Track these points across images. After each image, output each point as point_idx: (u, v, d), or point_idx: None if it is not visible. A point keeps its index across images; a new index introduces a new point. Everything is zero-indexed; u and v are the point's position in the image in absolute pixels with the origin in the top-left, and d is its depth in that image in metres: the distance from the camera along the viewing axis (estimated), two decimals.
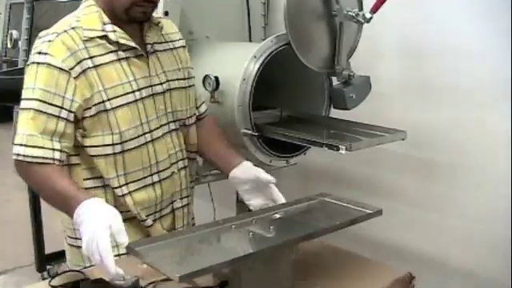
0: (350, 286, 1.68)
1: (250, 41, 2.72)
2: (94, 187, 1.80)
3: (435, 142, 2.48)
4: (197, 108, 2.04)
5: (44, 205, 3.46)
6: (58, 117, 1.67)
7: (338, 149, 1.92)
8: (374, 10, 2.08)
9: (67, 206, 1.60)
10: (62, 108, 1.67)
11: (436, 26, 2.39)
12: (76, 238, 1.87)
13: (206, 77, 2.12)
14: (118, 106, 1.74)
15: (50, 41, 1.69)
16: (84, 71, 1.69)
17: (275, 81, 2.35)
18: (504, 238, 2.29)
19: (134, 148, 1.79)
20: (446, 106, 2.42)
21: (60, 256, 3.53)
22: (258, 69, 2.09)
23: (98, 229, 1.46)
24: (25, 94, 1.69)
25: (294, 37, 2.06)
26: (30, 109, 1.67)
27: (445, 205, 2.49)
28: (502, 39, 2.20)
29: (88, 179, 1.80)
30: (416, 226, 2.60)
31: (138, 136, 1.79)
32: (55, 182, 1.65)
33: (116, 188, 1.79)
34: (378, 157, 2.51)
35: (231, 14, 2.64)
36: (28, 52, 3.34)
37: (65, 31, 1.72)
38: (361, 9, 2.18)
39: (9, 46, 4.59)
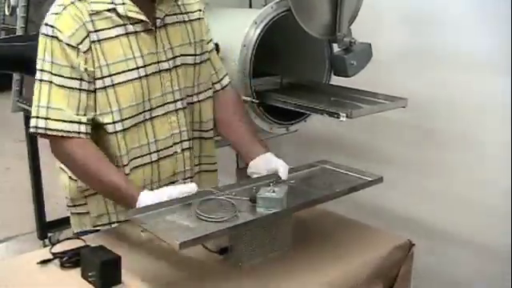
0: (350, 252, 1.70)
1: (251, 7, 2.69)
2: None
3: (434, 109, 2.48)
4: (219, 82, 1.98)
5: (45, 173, 3.47)
6: (80, 89, 1.66)
7: (338, 116, 1.91)
8: None
9: (118, 197, 1.67)
10: (81, 80, 1.66)
11: None
12: (75, 206, 1.88)
13: None
14: (118, 83, 1.70)
15: (56, 13, 1.66)
16: (90, 45, 1.66)
17: (276, 47, 2.33)
18: (501, 203, 2.30)
19: (132, 126, 1.75)
20: (445, 73, 2.41)
21: (61, 223, 3.55)
22: (259, 35, 2.07)
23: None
24: (41, 65, 1.67)
25: (294, 3, 2.04)
26: (49, 82, 1.65)
27: (443, 171, 2.50)
28: (501, 8, 2.19)
29: None
30: (415, 192, 2.61)
31: (138, 114, 1.75)
32: (92, 164, 1.66)
33: (120, 167, 1.75)
34: (378, 124, 2.50)
35: None
36: (26, 19, 3.32)
37: (72, 3, 1.66)
38: None
39: (7, 13, 4.56)
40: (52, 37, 1.65)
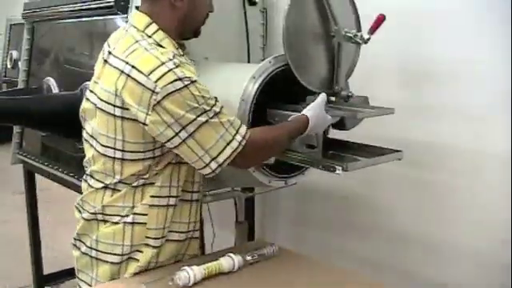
0: None
1: (249, 62, 2.73)
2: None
3: (432, 162, 2.49)
4: None
5: (43, 225, 3.46)
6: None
7: (334, 169, 1.92)
8: (372, 30, 2.10)
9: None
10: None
11: (434, 46, 2.41)
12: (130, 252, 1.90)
13: None
14: None
15: (176, 66, 1.69)
16: None
17: (274, 101, 2.36)
18: (500, 257, 2.29)
19: None
20: (443, 126, 2.43)
21: (58, 277, 3.54)
22: (257, 89, 2.09)
23: None
24: (197, 112, 1.70)
25: (292, 57, 2.07)
26: (218, 113, 1.75)
27: (441, 223, 2.49)
28: (502, 61, 2.22)
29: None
30: (415, 244, 2.59)
31: None
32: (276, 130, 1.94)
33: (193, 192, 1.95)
34: (376, 175, 2.51)
35: (230, 35, 2.65)
36: (28, 72, 3.36)
37: (171, 59, 1.71)
38: (359, 30, 2.19)
39: (9, 66, 4.62)
40: (192, 81, 1.69)
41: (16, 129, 3.39)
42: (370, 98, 2.25)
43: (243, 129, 1.79)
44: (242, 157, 1.77)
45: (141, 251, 1.86)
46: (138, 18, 1.84)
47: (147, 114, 1.67)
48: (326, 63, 2.19)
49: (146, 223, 1.83)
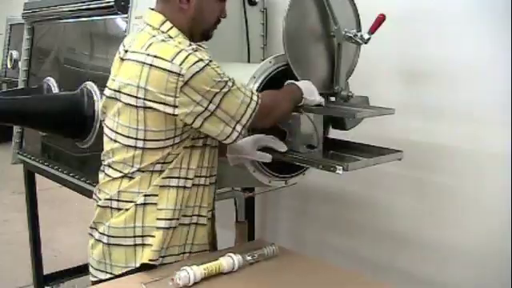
0: None
1: (249, 61, 2.73)
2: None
3: (432, 162, 2.49)
4: None
5: (43, 225, 3.46)
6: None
7: (334, 169, 1.92)
8: (372, 30, 2.10)
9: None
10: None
11: (434, 46, 2.40)
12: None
13: None
14: None
15: (193, 51, 1.80)
16: None
17: None
18: (500, 258, 2.29)
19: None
20: (443, 126, 2.43)
21: (58, 277, 3.53)
22: (257, 89, 2.10)
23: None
24: (221, 85, 1.81)
25: (292, 57, 2.07)
26: (234, 81, 1.85)
27: (440, 224, 2.49)
28: (502, 60, 2.22)
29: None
30: (415, 245, 2.59)
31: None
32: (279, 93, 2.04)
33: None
34: (377, 175, 2.51)
35: (230, 35, 2.65)
36: (28, 72, 3.36)
37: (189, 46, 1.84)
38: (359, 30, 2.19)
39: (9, 66, 4.62)
40: (210, 61, 1.80)
41: (16, 129, 3.40)
42: (371, 98, 2.25)
43: (254, 90, 1.96)
44: (260, 116, 1.90)
45: (152, 235, 1.89)
46: (152, 16, 1.93)
47: (175, 97, 1.77)
48: (326, 63, 2.19)
49: (156, 203, 1.89)
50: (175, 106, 1.78)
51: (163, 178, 1.88)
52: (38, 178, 3.34)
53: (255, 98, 1.89)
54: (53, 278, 3.51)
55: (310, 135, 2.11)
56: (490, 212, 2.33)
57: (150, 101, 1.79)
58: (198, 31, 1.97)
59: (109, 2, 2.51)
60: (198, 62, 1.77)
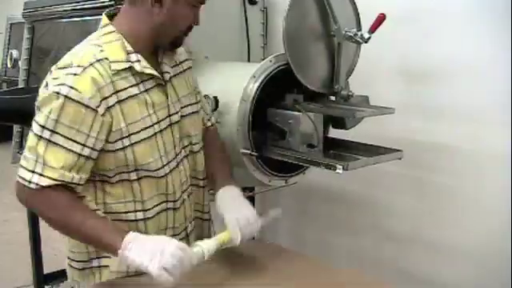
0: None
1: (249, 61, 2.73)
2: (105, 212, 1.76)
3: (432, 162, 2.49)
4: (209, 120, 2.03)
5: (42, 224, 3.45)
6: (80, 154, 1.62)
7: (335, 168, 1.92)
8: (373, 30, 2.10)
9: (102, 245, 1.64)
10: (84, 146, 1.62)
11: (434, 46, 2.41)
12: (72, 260, 1.86)
13: (205, 97, 2.13)
14: (136, 142, 1.69)
15: (75, 74, 1.61)
16: (109, 108, 1.63)
17: (274, 99, 2.36)
18: (500, 258, 2.29)
19: (149, 179, 1.75)
20: (443, 126, 2.43)
21: (58, 276, 3.52)
22: (257, 88, 2.10)
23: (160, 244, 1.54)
24: (44, 122, 1.60)
25: (292, 57, 2.07)
26: (49, 140, 1.60)
27: (440, 223, 2.49)
28: (502, 60, 2.22)
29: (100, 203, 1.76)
30: (414, 244, 2.59)
31: (158, 169, 1.75)
32: (76, 217, 1.64)
33: (129, 212, 1.76)
34: (377, 174, 2.51)
35: (230, 34, 2.65)
36: (28, 71, 3.36)
37: (91, 64, 1.63)
38: (359, 29, 2.19)
39: (9, 65, 4.62)
40: (68, 98, 1.59)
41: (16, 128, 3.39)
42: (371, 97, 2.25)
43: (48, 177, 1.61)
44: (27, 197, 1.67)
45: (108, 256, 1.78)
46: (103, 18, 1.79)
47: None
48: (326, 62, 2.19)
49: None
50: None
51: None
52: None
53: (35, 179, 1.61)
54: (53, 277, 3.50)
55: (310, 134, 2.10)
56: (489, 212, 2.34)
57: None
58: (167, 39, 1.77)
59: (109, 1, 2.51)
60: (60, 85, 1.60)
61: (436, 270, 2.51)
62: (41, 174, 1.61)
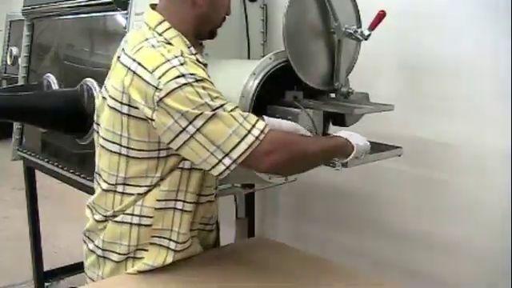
0: None
1: (249, 58, 2.73)
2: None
3: (433, 159, 2.49)
4: None
5: (43, 221, 3.46)
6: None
7: (334, 165, 1.92)
8: (373, 27, 2.10)
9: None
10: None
11: (435, 42, 2.40)
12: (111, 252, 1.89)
13: None
14: None
15: (180, 64, 1.66)
16: None
17: (274, 97, 2.36)
18: (501, 255, 2.29)
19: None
20: (444, 122, 2.43)
21: (58, 273, 3.54)
22: (257, 86, 2.09)
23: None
24: (202, 108, 1.63)
25: (292, 54, 2.07)
26: (229, 110, 1.66)
27: (441, 219, 2.49)
28: (502, 55, 2.22)
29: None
30: (415, 241, 2.60)
31: None
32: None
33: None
34: (376, 171, 2.51)
35: (230, 32, 2.65)
36: (28, 69, 3.36)
37: (182, 55, 1.69)
38: (359, 26, 2.19)
39: (9, 62, 4.62)
40: (197, 80, 1.64)
41: (16, 125, 3.39)
42: (371, 95, 2.25)
43: (261, 124, 1.68)
44: (259, 155, 1.66)
45: (146, 249, 1.85)
46: (150, 15, 1.83)
47: (154, 109, 1.64)
48: (326, 59, 2.19)
49: (151, 225, 1.82)
50: (152, 120, 1.66)
51: (158, 200, 1.81)
52: (39, 174, 3.34)
53: (256, 132, 1.65)
54: (53, 274, 3.51)
55: (309, 131, 2.10)
56: (490, 208, 2.34)
57: (132, 108, 1.71)
58: (207, 28, 1.88)
59: None
60: (178, 77, 1.63)
61: (437, 267, 2.51)
62: (253, 126, 1.66)
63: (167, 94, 1.62)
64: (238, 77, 2.13)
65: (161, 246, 1.85)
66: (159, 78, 1.63)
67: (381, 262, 2.66)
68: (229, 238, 2.67)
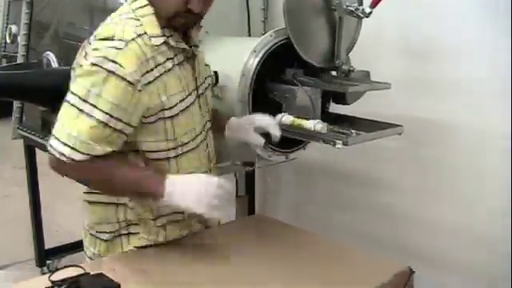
0: (348, 280, 1.69)
1: (250, 35, 2.72)
2: None
3: (434, 139, 2.49)
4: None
5: (44, 200, 3.47)
6: (120, 131, 1.64)
7: (334, 143, 1.91)
8: (374, 4, 2.08)
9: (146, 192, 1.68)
10: (126, 124, 1.64)
11: (437, 22, 2.39)
12: (100, 232, 1.88)
13: None
14: (175, 114, 1.72)
15: (117, 48, 1.60)
16: (148, 83, 1.65)
17: (275, 74, 2.35)
18: (500, 236, 2.30)
19: (188, 151, 1.80)
20: (446, 101, 2.42)
21: (60, 251, 3.55)
22: (258, 63, 2.09)
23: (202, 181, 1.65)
24: (85, 95, 1.60)
25: (293, 31, 2.06)
26: (92, 117, 1.60)
27: (441, 200, 2.50)
28: (503, 38, 2.21)
29: None
30: (413, 219, 2.60)
31: (192, 140, 1.80)
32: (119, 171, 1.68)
33: None
34: (377, 150, 2.51)
35: (230, 9, 2.64)
36: (27, 47, 3.34)
37: (133, 39, 1.63)
38: (360, 3, 2.18)
39: (8, 40, 4.59)
40: (111, 72, 1.59)
41: (16, 104, 3.38)
42: (373, 74, 2.24)
43: (80, 156, 1.61)
44: (64, 167, 1.67)
45: (137, 224, 1.83)
46: None
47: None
48: (327, 37, 2.18)
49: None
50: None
51: None
52: (39, 152, 3.34)
53: (61, 149, 1.62)
54: (54, 253, 3.52)
55: (306, 108, 2.10)
56: (490, 188, 2.34)
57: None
58: (162, 19, 1.72)
59: None
60: (101, 57, 1.59)
61: (435, 247, 2.52)
62: (75, 149, 1.61)
63: (80, 66, 1.66)
64: (239, 54, 2.13)
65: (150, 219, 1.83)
66: (94, 49, 1.63)
67: (379, 241, 2.66)
68: (229, 215, 2.68)
